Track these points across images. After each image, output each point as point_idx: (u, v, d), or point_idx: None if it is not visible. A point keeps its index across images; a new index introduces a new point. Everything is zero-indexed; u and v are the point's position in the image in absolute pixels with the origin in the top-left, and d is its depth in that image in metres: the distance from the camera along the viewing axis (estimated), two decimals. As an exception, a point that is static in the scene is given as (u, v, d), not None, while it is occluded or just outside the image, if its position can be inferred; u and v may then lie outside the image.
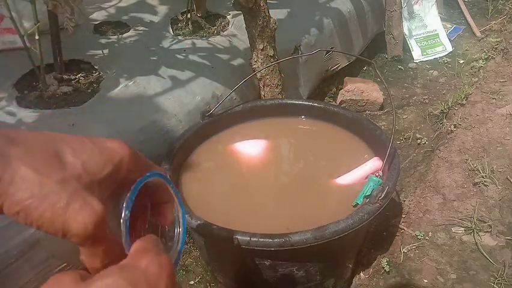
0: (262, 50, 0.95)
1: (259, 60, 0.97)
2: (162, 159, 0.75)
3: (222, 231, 0.60)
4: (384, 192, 0.63)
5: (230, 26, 1.24)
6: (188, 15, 1.19)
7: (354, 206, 0.66)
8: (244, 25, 0.95)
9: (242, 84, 0.85)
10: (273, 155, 0.82)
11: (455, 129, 1.17)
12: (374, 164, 0.75)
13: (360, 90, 1.36)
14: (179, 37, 1.16)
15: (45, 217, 0.25)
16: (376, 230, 0.92)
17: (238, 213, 0.69)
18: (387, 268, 0.81)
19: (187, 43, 1.13)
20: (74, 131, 0.77)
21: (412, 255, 0.83)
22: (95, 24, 1.19)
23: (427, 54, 1.72)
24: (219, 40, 1.16)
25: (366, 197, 0.63)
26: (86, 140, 0.29)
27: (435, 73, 1.60)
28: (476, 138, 1.11)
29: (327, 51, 1.36)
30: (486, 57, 1.57)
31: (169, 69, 1.00)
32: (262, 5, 0.90)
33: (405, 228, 0.89)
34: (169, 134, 0.86)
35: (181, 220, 0.31)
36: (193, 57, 1.06)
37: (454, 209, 0.92)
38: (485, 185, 0.96)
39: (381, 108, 1.39)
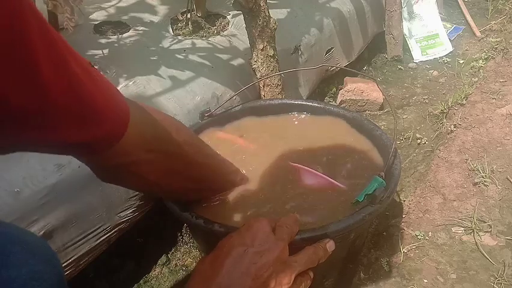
0: (262, 50, 0.95)
1: (259, 60, 0.97)
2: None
3: (223, 229, 0.60)
4: (387, 193, 0.63)
5: (230, 26, 1.24)
6: (188, 15, 1.19)
7: (353, 203, 0.66)
8: (244, 25, 0.95)
9: (242, 85, 0.85)
10: (273, 151, 0.81)
11: (455, 129, 1.17)
12: None
13: (360, 90, 1.36)
14: (179, 37, 1.16)
15: None
16: (376, 230, 0.92)
17: (238, 211, 0.68)
18: (387, 268, 0.81)
19: (187, 43, 1.13)
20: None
21: (412, 255, 0.83)
22: (95, 24, 1.19)
23: (427, 54, 1.72)
24: (219, 40, 1.16)
25: (367, 195, 0.63)
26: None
27: (435, 73, 1.60)
28: (476, 138, 1.11)
29: (328, 51, 1.36)
30: (486, 57, 1.57)
31: (169, 69, 1.00)
32: (262, 5, 0.90)
33: (405, 228, 0.89)
34: (169, 134, 0.86)
35: None
36: (193, 57, 1.06)
37: (454, 209, 0.92)
38: (485, 185, 0.96)
39: (381, 108, 1.39)
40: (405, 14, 1.74)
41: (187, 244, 0.94)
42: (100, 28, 1.18)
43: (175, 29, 1.20)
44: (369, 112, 1.39)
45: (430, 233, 0.88)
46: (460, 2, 1.95)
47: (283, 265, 0.47)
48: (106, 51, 1.05)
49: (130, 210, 0.80)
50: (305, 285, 0.51)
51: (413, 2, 1.78)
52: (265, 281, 0.44)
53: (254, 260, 0.45)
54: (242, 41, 1.16)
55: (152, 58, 1.04)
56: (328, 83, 1.48)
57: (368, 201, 0.64)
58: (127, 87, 0.91)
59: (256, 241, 0.48)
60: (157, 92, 0.92)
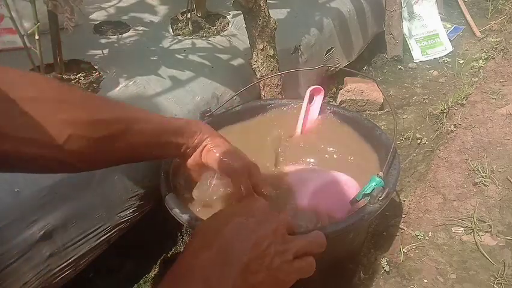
0: (262, 50, 0.95)
1: (259, 60, 0.97)
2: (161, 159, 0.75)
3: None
4: (385, 193, 0.63)
5: (230, 26, 1.24)
6: (188, 15, 1.19)
7: (352, 203, 0.66)
8: (244, 25, 0.95)
9: (242, 85, 0.85)
10: (273, 151, 0.81)
11: (455, 129, 1.17)
12: None
13: (360, 90, 1.36)
14: (179, 37, 1.16)
15: None
16: (376, 230, 0.92)
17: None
18: (387, 268, 0.81)
19: (187, 43, 1.13)
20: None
21: (412, 255, 0.83)
22: (95, 24, 1.19)
23: (427, 54, 1.72)
24: (219, 40, 1.16)
25: (365, 195, 0.63)
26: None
27: (435, 73, 1.60)
28: (476, 138, 1.11)
29: (328, 51, 1.36)
30: (486, 57, 1.57)
31: (169, 69, 1.00)
32: (262, 5, 0.90)
33: (405, 228, 0.89)
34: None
35: None
36: (193, 57, 1.06)
37: (453, 209, 0.92)
38: (485, 185, 0.96)
39: (381, 108, 1.39)
40: (405, 14, 1.74)
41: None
42: (100, 28, 1.18)
43: (175, 29, 1.20)
44: (369, 112, 1.39)
45: (430, 233, 0.88)
46: (460, 2, 1.95)
47: (283, 238, 0.46)
48: (106, 51, 1.06)
49: (130, 210, 0.80)
50: (306, 269, 0.48)
51: (413, 2, 1.78)
52: (264, 250, 0.44)
53: (254, 228, 0.45)
54: (242, 41, 1.16)
55: (152, 58, 1.04)
56: (328, 83, 1.47)
57: (366, 202, 0.64)
58: (127, 87, 0.92)
59: (255, 212, 0.47)
60: (157, 92, 0.92)
